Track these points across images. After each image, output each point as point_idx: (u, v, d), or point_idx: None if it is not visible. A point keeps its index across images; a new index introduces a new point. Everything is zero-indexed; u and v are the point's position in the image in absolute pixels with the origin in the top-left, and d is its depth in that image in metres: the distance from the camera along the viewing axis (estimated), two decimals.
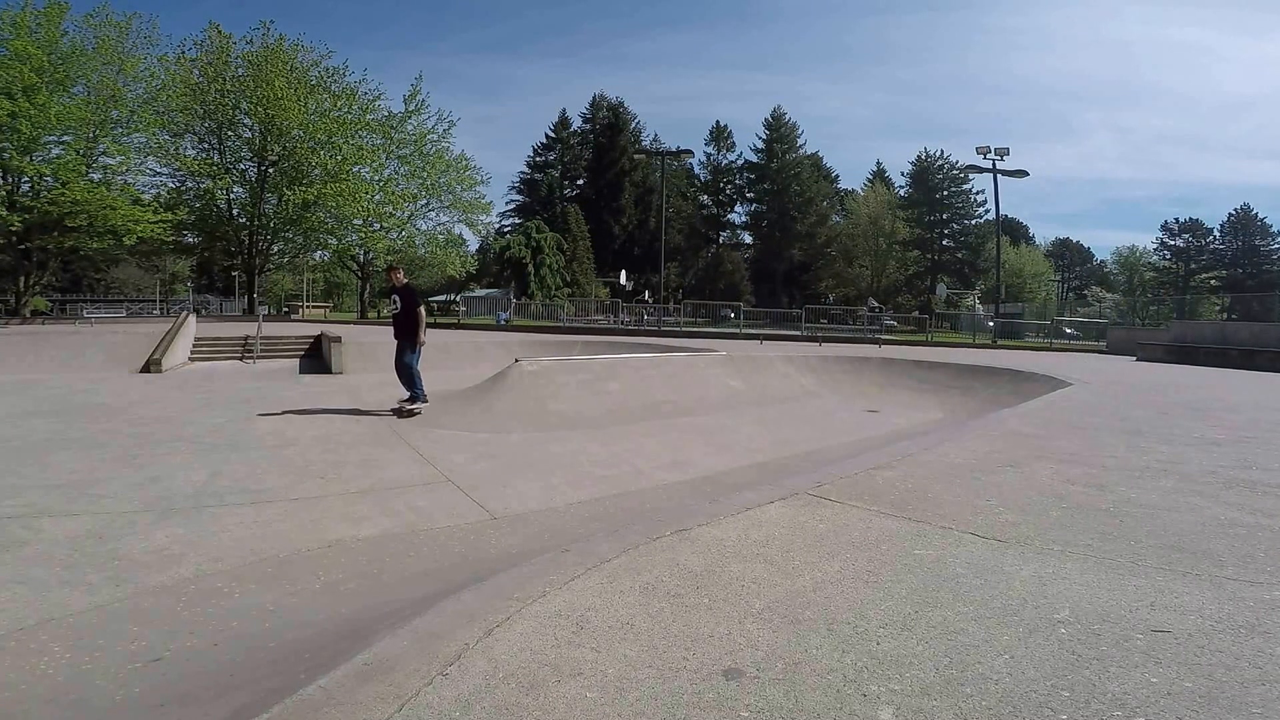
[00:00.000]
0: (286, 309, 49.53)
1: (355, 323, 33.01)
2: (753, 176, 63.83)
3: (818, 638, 1.47)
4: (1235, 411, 5.74)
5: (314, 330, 18.30)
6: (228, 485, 4.52)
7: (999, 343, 25.52)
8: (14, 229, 23.68)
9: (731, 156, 65.40)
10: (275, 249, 36.54)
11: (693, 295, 49.62)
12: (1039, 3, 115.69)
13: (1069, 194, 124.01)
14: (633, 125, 64.41)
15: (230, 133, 33.32)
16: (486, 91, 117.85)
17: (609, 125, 62.69)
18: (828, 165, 64.97)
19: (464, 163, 37.90)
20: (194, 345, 14.89)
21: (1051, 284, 64.21)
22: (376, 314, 46.44)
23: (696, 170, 65.30)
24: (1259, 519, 2.42)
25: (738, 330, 27.08)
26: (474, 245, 47.57)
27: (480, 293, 47.25)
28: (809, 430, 7.67)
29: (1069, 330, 30.01)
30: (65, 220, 23.69)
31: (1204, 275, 60.59)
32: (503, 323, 31.59)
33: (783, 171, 60.58)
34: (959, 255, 53.28)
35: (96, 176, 25.61)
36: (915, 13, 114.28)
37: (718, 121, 68.34)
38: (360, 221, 34.84)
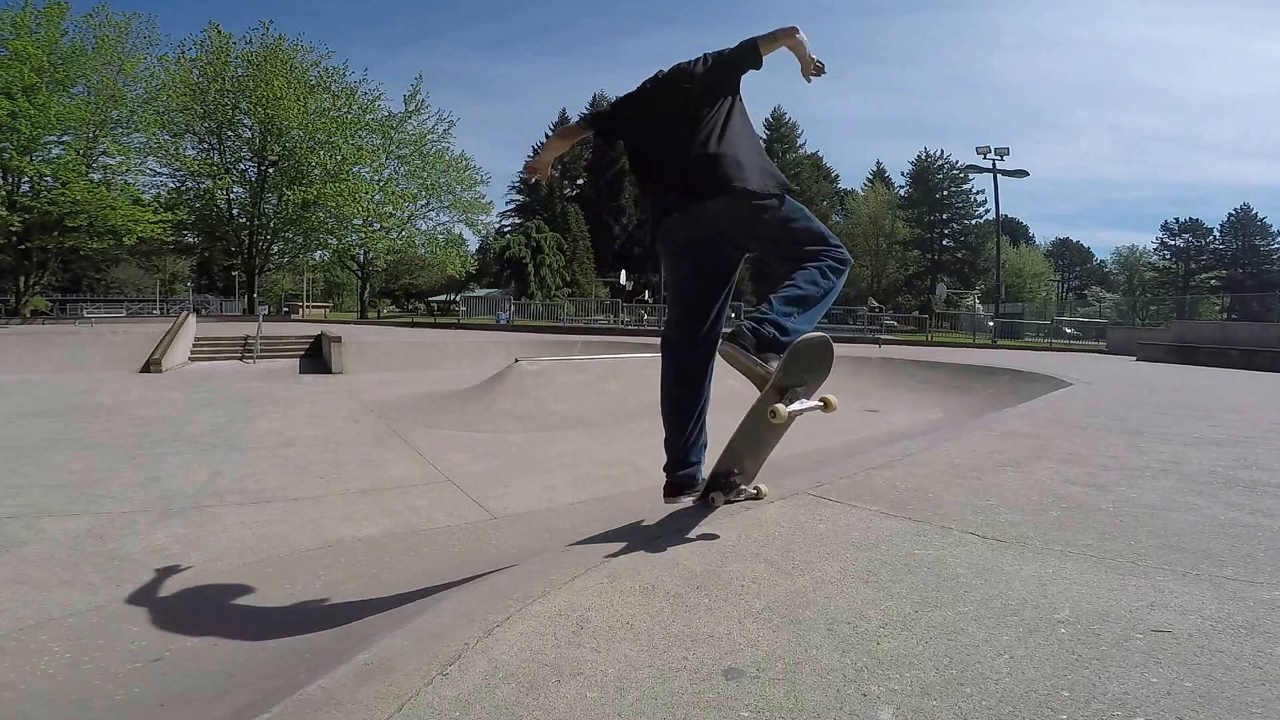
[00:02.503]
0: (286, 309, 49.51)
1: (355, 323, 33.02)
2: None
3: (818, 637, 1.47)
4: (1235, 411, 5.74)
5: (314, 330, 18.31)
6: (228, 485, 4.52)
7: (999, 343, 25.52)
8: (14, 229, 23.72)
9: None
10: (275, 249, 36.58)
11: None
12: (1041, 3, 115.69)
13: (1068, 194, 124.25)
14: None
15: (230, 133, 33.37)
16: (487, 91, 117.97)
17: None
18: (828, 165, 65.00)
19: (464, 162, 37.98)
20: (194, 345, 14.90)
21: (1051, 284, 64.20)
22: (377, 314, 46.43)
23: None
24: (1259, 519, 2.43)
25: None
26: (474, 245, 47.56)
27: (480, 293, 47.24)
28: (808, 430, 7.65)
29: (1069, 330, 29.99)
30: (65, 220, 23.74)
31: (1204, 275, 60.57)
32: (503, 323, 31.59)
33: (783, 171, 60.53)
34: (959, 255, 53.29)
35: (96, 176, 25.65)
36: (914, 13, 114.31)
37: None
38: (360, 221, 34.89)
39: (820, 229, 2.15)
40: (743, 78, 2.27)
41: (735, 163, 2.06)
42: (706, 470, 2.38)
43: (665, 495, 2.33)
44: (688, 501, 2.34)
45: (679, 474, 2.30)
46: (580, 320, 34.74)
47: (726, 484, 2.34)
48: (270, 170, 33.79)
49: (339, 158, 32.71)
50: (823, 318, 2.07)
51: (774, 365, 1.86)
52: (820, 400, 1.95)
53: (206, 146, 33.50)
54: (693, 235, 2.13)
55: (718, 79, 2.18)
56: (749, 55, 2.17)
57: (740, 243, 2.17)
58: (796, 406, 1.85)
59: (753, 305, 39.74)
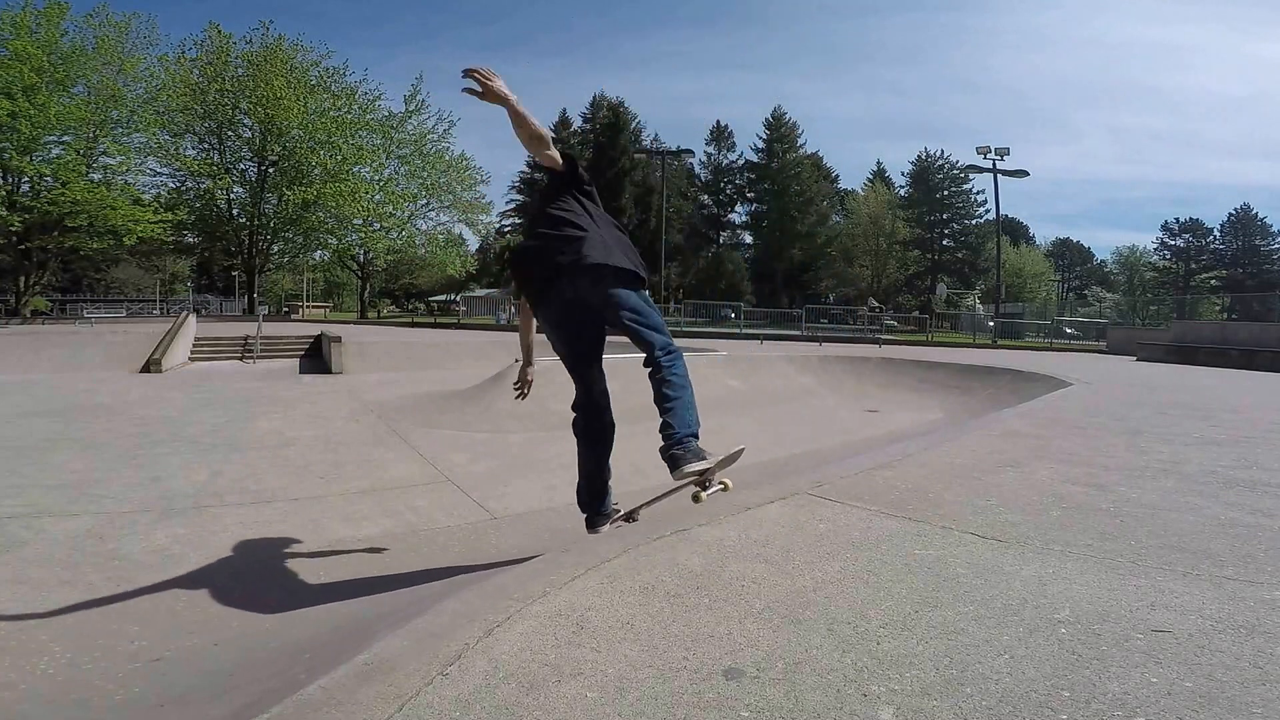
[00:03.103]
0: (286, 309, 49.50)
1: (355, 323, 33.01)
2: (753, 176, 63.79)
3: (818, 638, 1.47)
4: (1235, 412, 5.74)
5: (314, 330, 18.30)
6: (228, 485, 4.52)
7: (999, 343, 25.51)
8: (14, 229, 23.69)
9: (732, 156, 65.40)
10: (275, 249, 36.55)
11: (693, 295, 49.58)
12: (1040, 3, 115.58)
13: (1068, 194, 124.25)
14: (633, 125, 64.37)
15: (230, 133, 33.33)
16: None
17: (609, 125, 62.62)
18: (828, 165, 64.91)
19: (464, 162, 37.92)
20: (194, 345, 14.90)
21: (1051, 284, 64.16)
22: (377, 314, 46.43)
23: (697, 170, 65.32)
24: (1259, 519, 2.43)
25: (738, 330, 27.08)
26: (474, 245, 47.55)
27: (480, 293, 47.22)
28: (809, 430, 7.66)
29: (1069, 330, 30.00)
30: (65, 220, 23.72)
31: (1204, 275, 60.56)
32: (503, 323, 31.58)
33: (783, 171, 60.53)
34: (959, 255, 53.28)
35: (96, 176, 25.61)
36: (913, 13, 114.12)
37: (718, 121, 68.14)
38: (360, 221, 34.85)
39: (662, 327, 2.53)
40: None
41: (601, 246, 2.49)
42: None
43: (594, 530, 2.68)
44: (607, 528, 2.68)
45: (603, 508, 2.70)
46: None
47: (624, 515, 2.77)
48: (270, 170, 33.76)
49: (339, 158, 32.66)
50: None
51: (699, 464, 2.28)
52: (722, 484, 2.37)
53: (206, 146, 33.47)
54: (571, 303, 2.54)
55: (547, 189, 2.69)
56: (546, 171, 2.65)
57: (602, 313, 2.56)
58: (711, 491, 2.31)
59: (752, 304, 39.72)
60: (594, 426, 2.72)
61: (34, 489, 4.19)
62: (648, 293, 2.61)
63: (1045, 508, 2.54)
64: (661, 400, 2.44)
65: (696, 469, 2.27)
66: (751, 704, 1.21)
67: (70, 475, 4.54)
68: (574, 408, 2.74)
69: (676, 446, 2.32)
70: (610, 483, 2.74)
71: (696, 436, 2.39)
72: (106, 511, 3.83)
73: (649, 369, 2.49)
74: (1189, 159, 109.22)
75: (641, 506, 2.74)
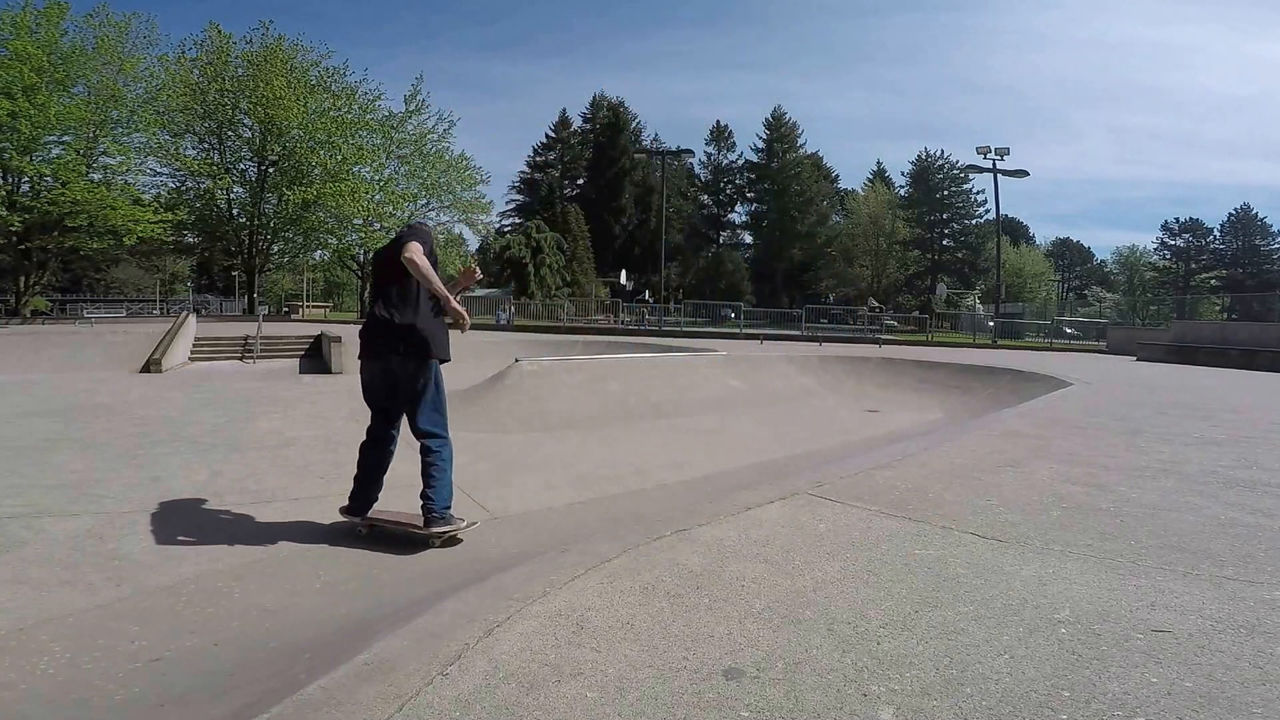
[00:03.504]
0: (286, 309, 49.47)
1: (355, 323, 33.01)
2: (753, 176, 63.81)
3: (818, 638, 1.47)
4: (1235, 411, 5.74)
5: (314, 330, 18.31)
6: (228, 485, 4.52)
7: (999, 343, 25.51)
8: (14, 229, 23.68)
9: (732, 156, 65.44)
10: (275, 249, 36.53)
11: (693, 295, 49.58)
12: (1039, 3, 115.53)
13: (1068, 194, 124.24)
14: (633, 125, 64.39)
15: (230, 132, 33.31)
16: (487, 91, 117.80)
17: (609, 125, 62.65)
18: (828, 165, 64.92)
19: (464, 162, 37.89)
20: (194, 345, 14.90)
21: (1051, 284, 64.17)
22: None
23: (697, 170, 65.32)
24: (1259, 519, 2.43)
25: (738, 330, 27.07)
26: (474, 245, 47.58)
27: (480, 293, 47.20)
28: (809, 430, 7.66)
29: (1069, 330, 30.01)
30: (65, 220, 23.70)
31: (1204, 275, 60.57)
32: (503, 323, 31.57)
33: (783, 171, 60.54)
34: (959, 255, 53.30)
35: (96, 176, 25.59)
36: (913, 13, 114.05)
37: (718, 121, 68.22)
38: (360, 221, 34.81)
39: (438, 413, 3.42)
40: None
41: (422, 334, 3.26)
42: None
43: (345, 515, 3.53)
44: (355, 521, 3.53)
45: (362, 507, 3.52)
46: (580, 320, 34.72)
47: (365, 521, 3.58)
48: (270, 170, 33.74)
49: (339, 158, 32.61)
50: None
51: (447, 527, 3.37)
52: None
53: (206, 146, 33.44)
54: (384, 367, 3.37)
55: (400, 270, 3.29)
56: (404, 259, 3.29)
57: (400, 383, 3.35)
58: (442, 529, 3.32)
59: (752, 304, 39.79)
60: (377, 448, 3.53)
61: (34, 489, 4.19)
62: (440, 370, 3.41)
63: (1045, 508, 2.54)
64: (426, 478, 3.31)
65: (440, 532, 3.29)
66: (751, 704, 1.21)
67: (70, 475, 4.54)
68: (367, 431, 3.54)
69: (434, 515, 3.30)
70: (378, 495, 3.54)
71: (449, 508, 3.35)
72: (106, 511, 3.83)
73: (419, 446, 3.32)
74: (1189, 159, 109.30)
75: (380, 522, 3.52)
